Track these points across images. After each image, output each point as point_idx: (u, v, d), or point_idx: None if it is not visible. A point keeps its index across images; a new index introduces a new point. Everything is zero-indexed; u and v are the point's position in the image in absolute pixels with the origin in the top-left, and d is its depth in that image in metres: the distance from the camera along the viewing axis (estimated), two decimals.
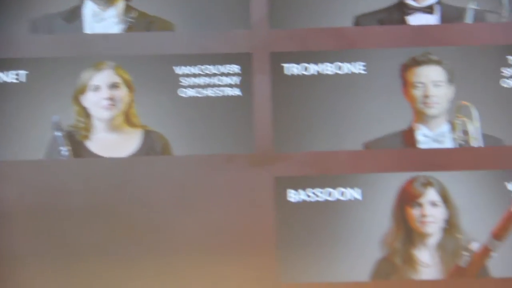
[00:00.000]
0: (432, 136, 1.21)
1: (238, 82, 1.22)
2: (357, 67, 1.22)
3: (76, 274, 1.16)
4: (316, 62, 1.23)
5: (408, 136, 1.21)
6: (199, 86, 1.22)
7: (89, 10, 1.25)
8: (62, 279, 1.16)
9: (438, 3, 1.26)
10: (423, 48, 1.22)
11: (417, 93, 1.21)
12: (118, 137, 1.21)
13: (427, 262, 1.17)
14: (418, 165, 1.19)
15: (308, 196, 1.19)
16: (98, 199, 1.18)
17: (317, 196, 1.19)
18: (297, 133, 1.20)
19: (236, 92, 1.22)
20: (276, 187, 1.19)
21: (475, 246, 1.16)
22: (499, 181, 1.18)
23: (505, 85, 1.21)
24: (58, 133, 1.19)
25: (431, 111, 1.21)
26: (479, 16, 1.24)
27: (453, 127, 1.21)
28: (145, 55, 1.22)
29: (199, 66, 1.22)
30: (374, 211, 1.18)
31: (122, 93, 1.21)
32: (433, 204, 1.18)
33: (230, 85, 1.22)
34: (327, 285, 1.16)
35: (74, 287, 1.16)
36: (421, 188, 1.18)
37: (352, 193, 1.19)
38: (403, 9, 1.26)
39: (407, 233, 1.18)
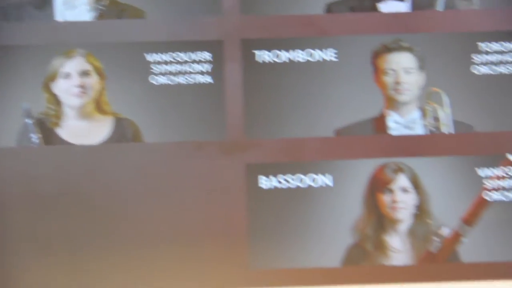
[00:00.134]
0: (403, 122, 1.21)
1: (209, 70, 1.22)
2: (329, 54, 1.23)
3: (47, 261, 1.16)
4: (287, 49, 1.23)
5: (379, 123, 1.21)
6: (170, 73, 1.22)
7: None
8: (33, 266, 1.16)
9: None
10: (394, 35, 1.22)
11: (388, 80, 1.21)
12: (89, 125, 1.21)
13: (398, 247, 1.18)
14: (389, 151, 1.20)
15: (280, 182, 1.19)
16: (68, 186, 1.17)
17: (288, 182, 1.19)
18: (269, 120, 1.20)
19: (208, 79, 1.22)
20: (248, 174, 1.19)
21: (445, 231, 1.17)
22: (469, 167, 1.19)
23: (475, 72, 1.22)
24: (29, 121, 1.19)
25: (402, 97, 1.21)
26: (449, 4, 1.24)
27: (424, 114, 1.22)
28: (116, 42, 1.22)
29: (170, 53, 1.22)
30: (345, 197, 1.18)
31: (93, 80, 1.20)
32: (404, 190, 1.18)
33: (202, 72, 1.22)
34: (298, 271, 1.16)
35: (45, 274, 1.16)
36: (392, 174, 1.18)
37: (324, 180, 1.19)
38: None
39: (378, 219, 1.18)
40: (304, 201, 1.18)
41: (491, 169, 1.19)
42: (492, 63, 1.22)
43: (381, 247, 1.18)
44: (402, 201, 1.18)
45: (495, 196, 1.18)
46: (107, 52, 1.22)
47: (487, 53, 1.22)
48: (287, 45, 1.23)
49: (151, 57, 1.22)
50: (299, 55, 1.23)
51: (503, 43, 1.22)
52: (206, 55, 1.22)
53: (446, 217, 1.17)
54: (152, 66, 1.22)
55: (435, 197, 1.18)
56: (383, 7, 1.25)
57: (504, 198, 1.18)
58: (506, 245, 1.17)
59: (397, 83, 1.21)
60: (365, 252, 1.17)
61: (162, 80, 1.22)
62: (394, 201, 1.18)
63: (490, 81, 1.21)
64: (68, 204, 1.17)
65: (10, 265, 1.16)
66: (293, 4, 1.24)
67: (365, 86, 1.21)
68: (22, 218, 1.17)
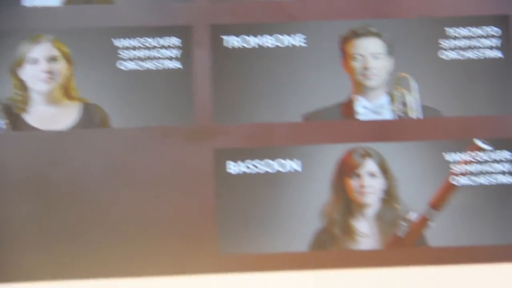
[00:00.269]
0: (371, 107, 1.22)
1: (178, 55, 1.22)
2: (297, 40, 1.23)
3: (13, 247, 1.16)
4: (256, 34, 1.23)
5: (347, 108, 1.21)
6: (138, 58, 1.22)
7: None
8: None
9: None
10: (362, 20, 1.23)
11: (357, 65, 1.21)
12: (56, 110, 1.20)
13: (365, 232, 1.18)
14: (357, 136, 1.20)
15: (248, 168, 1.19)
16: (36, 172, 1.17)
17: (256, 167, 1.19)
18: (237, 105, 1.20)
19: (177, 64, 1.22)
20: (216, 159, 1.19)
21: (413, 216, 1.17)
22: (437, 152, 1.19)
23: (443, 57, 1.22)
24: None
25: (370, 82, 1.21)
26: None
27: (392, 99, 1.22)
28: (84, 27, 1.21)
29: (139, 38, 1.22)
30: (313, 182, 1.18)
31: (61, 66, 1.20)
32: (372, 175, 1.19)
33: (170, 58, 1.22)
34: (267, 255, 1.17)
35: (11, 260, 1.15)
36: (359, 159, 1.19)
37: (292, 165, 1.19)
38: None
39: (346, 204, 1.18)
40: (272, 186, 1.18)
41: (459, 154, 1.19)
42: (460, 48, 1.22)
43: (348, 232, 1.18)
44: (369, 186, 1.18)
45: (463, 180, 1.18)
46: (75, 38, 1.21)
47: (455, 38, 1.22)
48: (256, 31, 1.23)
49: (119, 43, 1.22)
50: (268, 41, 1.23)
51: (470, 28, 1.23)
52: (175, 41, 1.22)
53: (413, 202, 1.18)
54: (120, 51, 1.21)
55: (402, 182, 1.18)
56: None
57: (471, 183, 1.18)
58: (473, 230, 1.17)
59: (365, 68, 1.21)
60: (333, 237, 1.17)
61: (130, 65, 1.21)
62: (362, 186, 1.18)
63: (458, 66, 1.22)
64: (36, 189, 1.17)
65: None
66: None
67: (334, 72, 1.21)
68: None
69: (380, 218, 1.18)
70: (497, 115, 1.20)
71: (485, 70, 1.22)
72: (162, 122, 1.19)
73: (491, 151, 1.19)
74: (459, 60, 1.22)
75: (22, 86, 1.19)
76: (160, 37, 1.22)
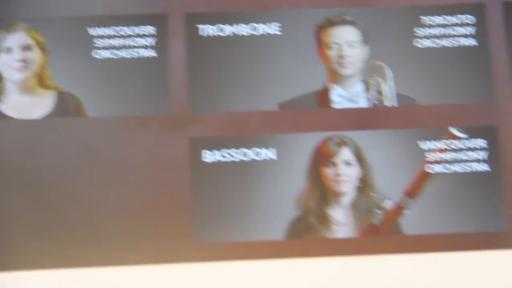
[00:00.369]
0: (347, 96, 1.22)
1: (153, 44, 1.21)
2: (273, 28, 1.23)
3: None
4: (231, 23, 1.23)
5: (322, 96, 1.21)
6: (114, 47, 1.21)
7: None
8: None
9: None
10: (337, 8, 1.23)
11: (332, 53, 1.21)
12: (30, 99, 1.20)
13: (341, 220, 1.18)
14: (333, 125, 1.20)
15: (223, 156, 1.19)
16: (10, 161, 1.16)
17: (232, 156, 1.19)
18: (213, 94, 1.20)
19: (152, 53, 1.21)
20: (191, 148, 1.18)
21: (388, 204, 1.18)
22: (412, 140, 1.19)
23: (418, 45, 1.22)
24: None
25: (345, 71, 1.21)
26: None
27: (367, 87, 1.22)
28: (58, 16, 1.21)
29: (114, 27, 1.22)
30: (288, 171, 1.18)
31: (35, 55, 1.20)
32: (347, 163, 1.19)
33: (145, 47, 1.21)
34: (242, 244, 1.17)
35: None
36: (335, 148, 1.19)
37: (267, 153, 1.19)
38: None
39: (321, 192, 1.18)
40: (247, 174, 1.18)
41: (434, 142, 1.19)
42: (435, 36, 1.22)
43: (324, 220, 1.18)
44: (345, 174, 1.18)
45: (438, 168, 1.19)
46: (50, 26, 1.21)
47: (430, 26, 1.23)
48: (231, 19, 1.23)
49: (94, 31, 1.21)
50: (243, 29, 1.22)
51: (445, 16, 1.23)
52: (150, 29, 1.22)
53: (389, 190, 1.18)
54: (95, 40, 1.21)
55: (378, 170, 1.18)
56: None
57: (446, 171, 1.19)
58: (448, 217, 1.17)
59: (341, 56, 1.21)
60: (308, 225, 1.17)
61: (106, 54, 1.21)
62: (337, 174, 1.18)
63: (433, 55, 1.22)
64: (10, 179, 1.16)
65: None
66: None
67: (309, 60, 1.21)
68: None
69: (355, 206, 1.18)
70: (472, 103, 1.20)
71: (460, 58, 1.22)
72: (138, 111, 1.19)
73: (466, 139, 1.19)
74: (434, 48, 1.22)
75: None
76: (135, 25, 1.22)
